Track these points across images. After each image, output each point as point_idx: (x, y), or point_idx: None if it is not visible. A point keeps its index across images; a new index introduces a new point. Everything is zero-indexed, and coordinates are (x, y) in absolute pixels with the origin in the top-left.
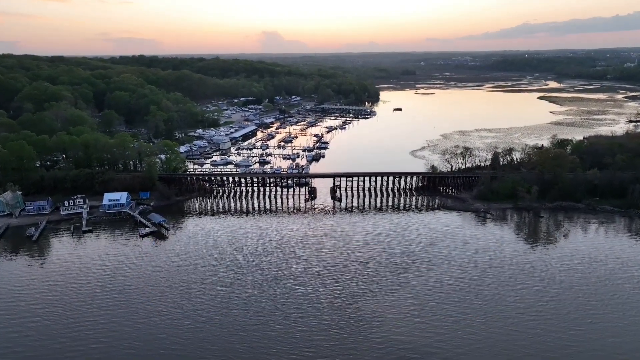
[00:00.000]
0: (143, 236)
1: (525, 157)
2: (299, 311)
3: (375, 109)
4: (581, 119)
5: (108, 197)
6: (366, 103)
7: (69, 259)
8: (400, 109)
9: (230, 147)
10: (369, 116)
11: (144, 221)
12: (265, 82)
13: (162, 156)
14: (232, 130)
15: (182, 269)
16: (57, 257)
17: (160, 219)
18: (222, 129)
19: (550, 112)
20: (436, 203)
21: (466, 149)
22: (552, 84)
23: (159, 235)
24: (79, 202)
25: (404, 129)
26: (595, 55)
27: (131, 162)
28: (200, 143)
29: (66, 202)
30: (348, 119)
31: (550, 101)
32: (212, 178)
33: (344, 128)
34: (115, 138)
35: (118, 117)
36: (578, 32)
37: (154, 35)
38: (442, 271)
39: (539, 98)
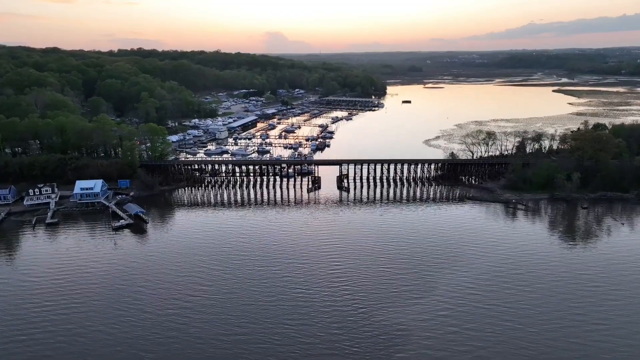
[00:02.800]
0: (116, 229)
1: (559, 143)
2: (300, 318)
3: (383, 101)
4: (604, 109)
5: (80, 185)
6: (372, 97)
7: (24, 254)
8: (409, 101)
9: (227, 137)
10: (376, 108)
11: (120, 212)
12: (267, 75)
13: (150, 144)
14: (231, 120)
15: (160, 266)
16: (9, 252)
17: (137, 210)
18: (219, 119)
19: (569, 103)
20: (458, 194)
21: (489, 134)
22: (565, 80)
23: (135, 228)
24: (47, 190)
25: (415, 120)
26: (605, 53)
27: (113, 150)
28: (195, 132)
29: (31, 190)
30: (355, 110)
31: (566, 94)
32: (203, 166)
33: (351, 119)
34: (94, 121)
35: (106, 103)
36: (585, 31)
37: (157, 35)
38: (475, 269)
39: (554, 91)
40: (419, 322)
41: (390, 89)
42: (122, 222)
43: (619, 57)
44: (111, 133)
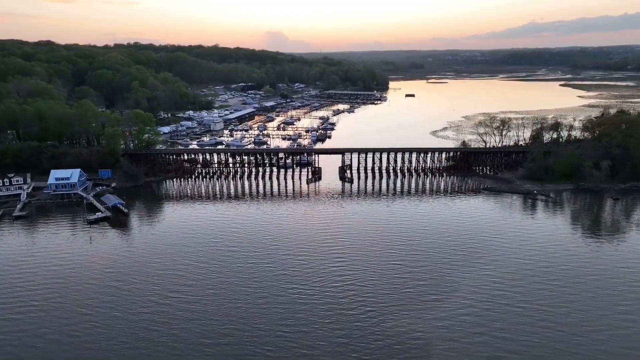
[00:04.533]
0: (92, 222)
1: (581, 131)
2: (298, 323)
3: (386, 95)
4: (617, 101)
5: (55, 175)
6: (375, 91)
7: None
8: (412, 95)
9: (222, 129)
10: (378, 102)
11: (96, 204)
12: (267, 69)
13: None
14: (227, 112)
15: (137, 262)
16: None
17: (116, 201)
18: (215, 111)
19: (579, 96)
20: (472, 185)
21: (504, 122)
22: (570, 76)
23: (114, 221)
24: (18, 181)
25: (419, 113)
26: (608, 51)
27: (96, 139)
28: (188, 124)
29: (0, 181)
30: (356, 104)
31: (574, 88)
32: (193, 156)
33: (352, 111)
34: (75, 107)
35: (95, 93)
36: (586, 30)
37: (158, 35)
38: (500, 265)
39: (561, 85)
40: (438, 327)
41: (392, 84)
42: (98, 214)
43: (622, 54)
44: (94, 119)
